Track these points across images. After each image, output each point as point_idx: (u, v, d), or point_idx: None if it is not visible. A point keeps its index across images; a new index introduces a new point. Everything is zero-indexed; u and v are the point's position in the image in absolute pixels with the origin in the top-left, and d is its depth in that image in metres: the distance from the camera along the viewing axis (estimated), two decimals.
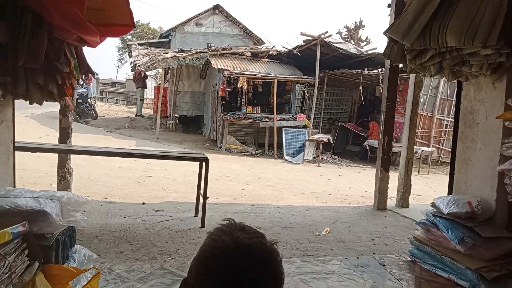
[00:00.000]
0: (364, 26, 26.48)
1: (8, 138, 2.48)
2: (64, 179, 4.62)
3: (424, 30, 3.06)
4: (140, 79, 16.80)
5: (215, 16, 18.44)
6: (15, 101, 2.52)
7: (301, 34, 11.82)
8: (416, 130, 6.52)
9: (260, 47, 15.59)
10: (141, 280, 2.70)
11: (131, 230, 3.83)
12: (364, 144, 12.41)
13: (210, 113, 13.56)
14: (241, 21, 18.87)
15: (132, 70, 16.62)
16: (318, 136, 11.76)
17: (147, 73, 17.38)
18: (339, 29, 27.77)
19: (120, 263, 2.97)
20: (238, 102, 12.44)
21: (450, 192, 3.93)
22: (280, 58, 13.55)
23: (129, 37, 27.58)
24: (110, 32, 2.44)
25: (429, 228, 3.42)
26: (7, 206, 1.97)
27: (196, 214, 4.52)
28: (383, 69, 12.10)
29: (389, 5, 5.82)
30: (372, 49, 13.13)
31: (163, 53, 13.39)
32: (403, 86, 11.51)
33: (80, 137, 9.42)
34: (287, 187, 7.26)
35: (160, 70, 15.55)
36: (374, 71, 12.73)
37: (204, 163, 4.29)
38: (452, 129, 12.94)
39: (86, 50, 2.66)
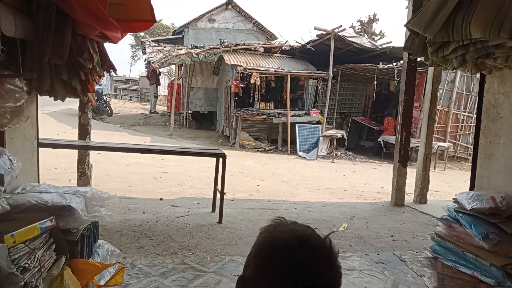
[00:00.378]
0: (378, 19, 26.14)
1: (33, 135, 2.51)
2: (84, 175, 4.68)
3: (447, 22, 2.98)
4: (153, 76, 16.90)
5: (228, 11, 18.40)
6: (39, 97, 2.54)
7: (315, 28, 11.72)
8: (434, 125, 6.40)
9: (273, 42, 15.51)
10: (163, 275, 2.72)
11: (150, 225, 3.86)
12: (379, 140, 12.28)
13: (223, 109, 13.58)
14: (253, 16, 18.78)
15: (146, 67, 16.71)
16: (332, 132, 11.67)
17: (160, 70, 17.47)
18: (352, 23, 27.49)
19: (141, 258, 3.00)
20: (251, 98, 12.41)
21: (472, 187, 3.85)
22: (293, 53, 13.45)
23: (142, 34, 27.73)
24: (131, 28, 2.45)
25: (451, 224, 3.37)
26: (34, 201, 2.01)
27: (214, 210, 4.53)
28: (399, 63, 11.98)
29: None
30: (387, 43, 12.91)
31: (177, 50, 13.44)
32: (419, 80, 11.30)
33: (96, 134, 9.51)
34: (302, 183, 7.23)
35: (173, 66, 15.62)
36: (389, 65, 12.54)
37: (221, 159, 4.29)
38: (469, 124, 12.63)
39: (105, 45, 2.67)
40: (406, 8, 5.92)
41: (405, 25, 3.46)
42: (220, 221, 4.14)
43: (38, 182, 2.61)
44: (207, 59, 13.05)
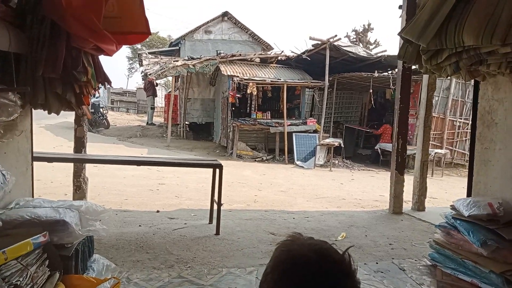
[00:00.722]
0: (372, 28, 26.43)
1: (27, 149, 2.50)
2: (79, 188, 4.65)
3: (440, 30, 3.01)
4: (150, 88, 16.95)
5: (224, 23, 18.58)
6: (34, 111, 2.54)
7: (310, 38, 11.82)
8: (430, 132, 6.42)
9: (269, 52, 15.62)
10: None
11: (147, 238, 3.82)
12: (376, 148, 12.30)
13: (220, 120, 13.59)
14: (249, 27, 18.99)
15: (143, 79, 16.78)
16: (329, 140, 11.69)
17: (158, 81, 17.53)
18: (347, 33, 27.75)
19: (137, 272, 2.96)
20: (248, 108, 12.45)
21: (469, 194, 3.84)
22: (289, 63, 13.54)
23: (139, 46, 27.91)
24: (126, 40, 2.46)
25: (449, 231, 3.35)
26: (27, 216, 1.98)
27: (211, 221, 4.50)
28: (394, 72, 12.08)
29: (400, 7, 5.78)
30: (382, 52, 13.03)
31: (173, 61, 13.50)
32: (414, 88, 11.38)
33: (93, 147, 9.49)
34: (299, 192, 7.20)
35: (170, 78, 15.68)
36: (384, 73, 12.64)
37: (217, 170, 4.28)
38: (466, 130, 12.68)
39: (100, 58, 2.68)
40: (400, 17, 5.98)
41: (399, 34, 3.50)
42: (217, 233, 4.11)
43: (33, 196, 2.58)
44: (204, 70, 13.11)
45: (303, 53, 12.65)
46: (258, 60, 13.30)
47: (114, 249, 3.45)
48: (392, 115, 10.01)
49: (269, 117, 12.42)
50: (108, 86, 2.88)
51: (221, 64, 12.59)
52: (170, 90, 17.14)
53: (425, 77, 5.94)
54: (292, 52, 13.55)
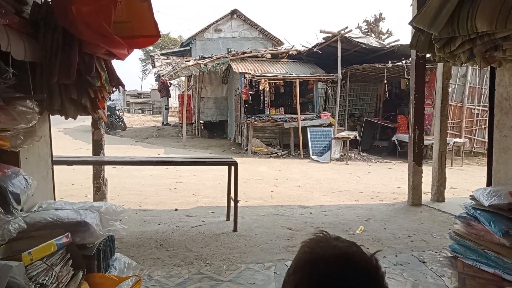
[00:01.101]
0: (384, 18, 25.99)
1: (47, 153, 2.58)
2: (99, 190, 4.76)
3: (452, 17, 2.95)
4: (164, 89, 17.14)
5: (233, 21, 18.59)
6: (51, 116, 2.61)
7: (321, 31, 11.71)
8: (447, 121, 6.31)
9: (279, 48, 15.57)
10: (180, 286, 2.74)
11: (166, 236, 3.89)
12: (393, 139, 12.13)
13: (234, 117, 13.65)
14: (259, 23, 18.94)
15: (156, 80, 16.99)
16: (344, 134, 11.59)
17: (171, 81, 17.70)
18: (358, 24, 27.40)
19: (158, 269, 3.02)
20: (261, 104, 12.46)
21: (489, 183, 3.77)
22: (300, 57, 13.47)
23: (151, 48, 28.23)
24: (137, 44, 2.50)
25: (469, 221, 3.30)
26: (50, 218, 2.05)
27: (228, 218, 4.55)
28: (408, 61, 11.87)
29: None
30: (395, 41, 12.83)
31: (185, 61, 13.61)
32: (430, 77, 11.17)
33: (111, 148, 9.68)
34: (316, 186, 7.18)
35: (183, 78, 15.84)
36: (398, 63, 12.42)
37: (233, 167, 4.31)
38: (484, 118, 12.41)
39: (113, 62, 2.74)
40: (411, 5, 5.87)
41: (410, 23, 3.44)
42: (235, 229, 4.15)
43: (54, 199, 2.67)
44: (215, 69, 13.17)
45: (314, 46, 12.56)
46: (269, 56, 13.27)
47: (135, 248, 3.53)
48: (408, 105, 9.87)
49: (283, 113, 12.41)
50: (123, 89, 2.93)
51: (232, 62, 12.63)
52: (183, 90, 17.30)
53: (440, 66, 5.83)
54: (303, 46, 13.48)
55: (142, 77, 45.93)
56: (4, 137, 1.85)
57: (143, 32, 2.48)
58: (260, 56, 13.17)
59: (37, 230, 1.95)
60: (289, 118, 12.09)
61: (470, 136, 12.09)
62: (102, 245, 2.24)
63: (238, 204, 4.29)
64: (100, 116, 3.06)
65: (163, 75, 13.77)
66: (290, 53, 13.49)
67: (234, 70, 12.43)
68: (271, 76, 12.15)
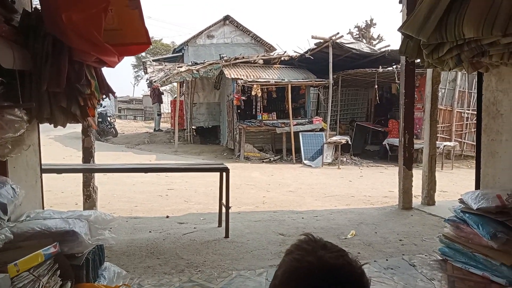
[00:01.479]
0: (375, 24, 26.27)
1: (35, 162, 2.56)
2: (89, 197, 4.72)
3: (440, 23, 3.00)
4: (156, 95, 17.10)
5: (226, 27, 18.66)
6: (40, 124, 2.59)
7: (312, 37, 11.80)
8: (437, 125, 6.38)
9: (271, 53, 15.65)
10: None
11: (157, 244, 3.86)
12: (384, 143, 12.23)
13: (226, 123, 13.65)
14: (251, 29, 19.04)
15: (148, 87, 16.95)
16: (336, 138, 11.66)
17: (163, 88, 17.67)
18: (350, 29, 27.61)
19: (148, 278, 2.99)
20: (254, 110, 12.49)
21: (477, 186, 3.82)
22: (293, 63, 13.55)
23: (144, 54, 28.16)
24: (127, 51, 2.50)
25: (458, 225, 3.33)
26: (38, 228, 2.03)
27: (220, 225, 4.53)
28: (398, 66, 12.00)
29: (400, 1, 5.77)
30: (385, 47, 12.96)
31: (177, 67, 13.60)
32: (420, 81, 11.31)
33: (102, 155, 9.62)
34: (308, 191, 7.20)
35: (175, 84, 15.84)
36: (389, 68, 12.57)
37: (224, 173, 4.31)
38: (474, 122, 12.58)
39: (103, 69, 2.74)
40: (401, 11, 5.95)
41: (399, 30, 3.49)
42: (226, 236, 4.13)
43: (43, 208, 2.64)
44: (208, 75, 13.19)
45: (306, 52, 12.65)
46: (261, 61, 13.33)
47: (125, 256, 3.49)
48: (399, 110, 9.97)
49: (275, 118, 12.45)
50: (116, 94, 2.93)
51: (225, 67, 12.66)
52: (175, 96, 17.28)
53: (429, 71, 5.91)
54: (295, 52, 13.56)
55: (134, 83, 45.73)
56: None
57: (133, 39, 2.48)
58: (252, 61, 13.23)
59: (25, 240, 1.93)
60: (281, 123, 12.13)
61: (460, 140, 12.24)
62: (91, 254, 2.22)
63: (230, 210, 4.28)
64: (90, 123, 3.04)
65: (155, 81, 13.73)
66: (282, 58, 13.56)
67: (226, 75, 12.45)
68: (263, 81, 12.19)
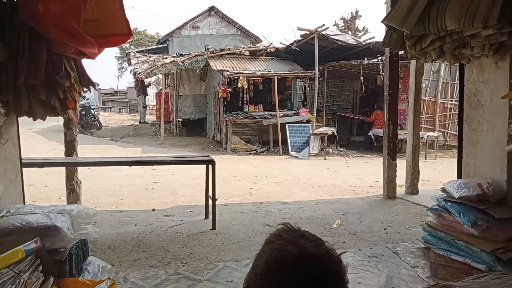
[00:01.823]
0: (360, 16, 26.33)
1: (15, 156, 2.50)
2: (73, 191, 4.65)
3: (423, 15, 3.02)
4: (140, 87, 16.85)
5: (211, 18, 18.45)
6: (19, 118, 2.53)
7: (298, 29, 11.77)
8: (421, 116, 6.47)
9: (257, 45, 15.55)
10: (156, 287, 2.71)
11: (143, 237, 3.84)
12: (369, 134, 12.37)
13: (212, 115, 13.58)
14: (237, 20, 18.87)
15: (134, 78, 16.69)
16: (322, 130, 11.73)
17: (148, 79, 17.42)
18: (335, 21, 27.66)
19: (134, 271, 2.98)
20: (240, 102, 12.44)
21: (459, 176, 3.90)
22: (279, 54, 13.51)
23: (127, 45, 27.67)
24: (107, 42, 2.44)
25: (440, 213, 3.40)
26: (18, 223, 1.99)
27: (207, 217, 4.53)
28: (383, 58, 12.09)
29: None
30: (370, 38, 13.03)
31: (162, 59, 13.41)
32: (404, 73, 11.42)
33: (86, 149, 9.48)
34: (294, 182, 7.25)
35: (160, 76, 15.63)
36: (374, 60, 12.65)
37: (210, 165, 4.30)
38: (457, 112, 12.82)
39: (86, 61, 2.68)
40: (385, 3, 5.98)
41: (382, 21, 3.50)
42: (213, 228, 4.14)
43: (24, 203, 2.59)
44: (193, 66, 13.04)
45: (292, 44, 12.63)
46: (247, 53, 13.25)
47: (110, 250, 3.46)
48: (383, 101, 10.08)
49: (262, 110, 12.43)
50: (99, 87, 2.87)
51: (210, 59, 12.54)
52: (161, 88, 17.08)
53: (413, 63, 5.97)
54: (281, 43, 13.52)
55: (118, 75, 45.03)
56: None
57: (114, 30, 2.43)
58: (238, 53, 13.13)
59: (4, 236, 1.89)
60: (268, 115, 12.12)
61: (444, 130, 12.46)
62: (74, 249, 2.19)
63: (217, 202, 4.28)
64: (70, 116, 2.98)
65: (139, 73, 13.53)
66: (268, 50, 13.50)
67: (212, 67, 12.34)
68: (250, 73, 12.14)
